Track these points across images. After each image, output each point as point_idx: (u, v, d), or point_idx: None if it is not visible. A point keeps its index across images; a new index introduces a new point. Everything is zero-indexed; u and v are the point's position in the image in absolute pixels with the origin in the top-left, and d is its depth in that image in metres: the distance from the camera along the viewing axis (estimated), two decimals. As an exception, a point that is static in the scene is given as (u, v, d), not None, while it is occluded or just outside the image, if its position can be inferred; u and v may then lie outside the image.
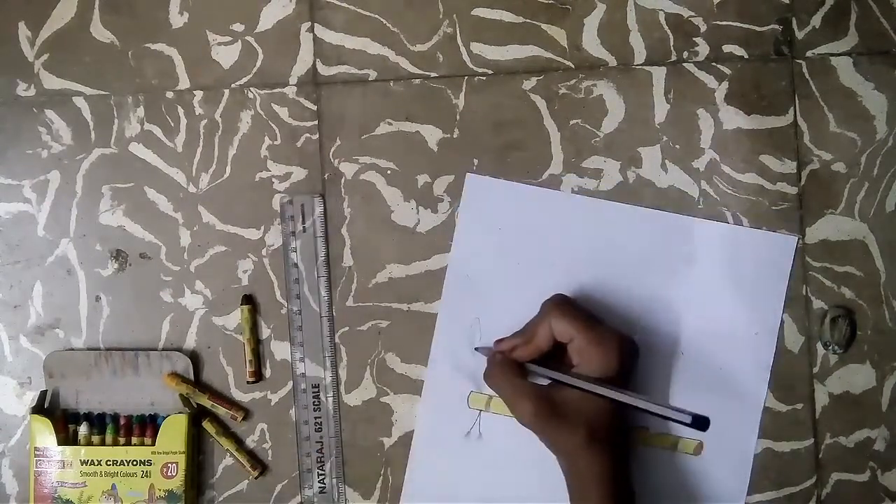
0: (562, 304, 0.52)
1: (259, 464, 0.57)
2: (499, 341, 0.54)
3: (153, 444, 0.55)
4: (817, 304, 0.56)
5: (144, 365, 0.57)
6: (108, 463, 0.55)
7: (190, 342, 0.58)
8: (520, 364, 0.53)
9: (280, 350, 0.58)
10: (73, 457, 0.55)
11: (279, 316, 0.58)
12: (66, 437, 0.56)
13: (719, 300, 0.56)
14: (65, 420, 0.56)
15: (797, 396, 0.56)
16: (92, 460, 0.55)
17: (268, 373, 0.58)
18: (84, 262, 0.58)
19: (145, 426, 0.56)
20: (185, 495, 0.55)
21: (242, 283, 0.58)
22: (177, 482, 0.55)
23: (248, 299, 0.57)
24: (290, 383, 0.58)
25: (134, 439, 0.56)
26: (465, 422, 0.56)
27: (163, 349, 0.57)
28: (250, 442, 0.57)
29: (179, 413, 0.56)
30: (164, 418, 0.56)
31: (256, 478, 0.57)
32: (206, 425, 0.57)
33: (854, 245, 0.56)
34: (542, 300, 0.54)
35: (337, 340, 0.57)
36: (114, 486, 0.55)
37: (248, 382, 0.57)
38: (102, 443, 0.56)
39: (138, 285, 0.58)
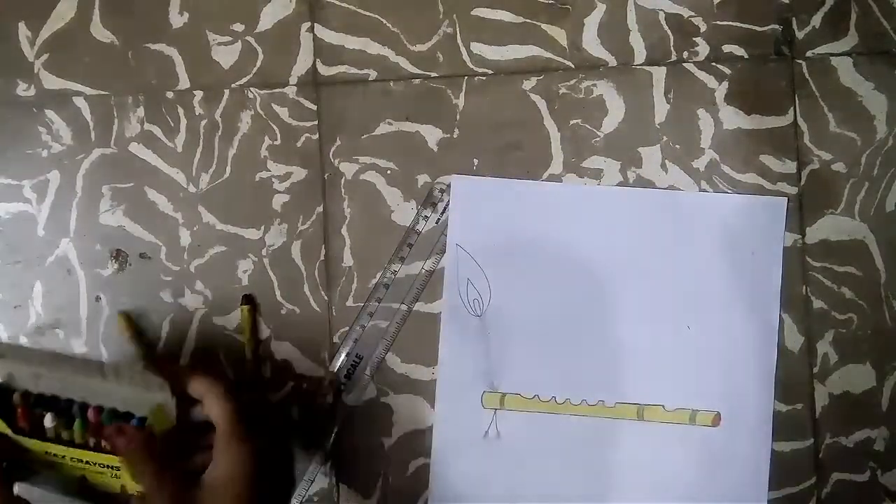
0: (221, 385, 0.48)
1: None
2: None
3: None
4: (817, 304, 0.56)
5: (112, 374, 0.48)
6: (73, 459, 0.47)
7: (190, 342, 0.58)
8: (151, 448, 0.46)
9: (280, 350, 0.58)
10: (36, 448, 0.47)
11: (279, 316, 0.58)
12: (28, 426, 0.47)
13: (719, 267, 0.56)
14: (26, 406, 0.47)
15: (797, 396, 0.56)
16: (56, 454, 0.47)
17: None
18: (84, 262, 0.58)
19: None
20: None
21: (242, 283, 0.58)
22: None
23: (248, 299, 0.57)
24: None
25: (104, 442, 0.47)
26: (482, 422, 0.56)
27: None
28: (250, 442, 0.57)
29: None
30: (140, 420, 0.47)
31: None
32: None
33: (854, 245, 0.56)
34: (543, 291, 0.55)
35: (336, 340, 0.57)
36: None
37: (248, 382, 0.57)
38: (71, 438, 0.47)
39: (138, 285, 0.58)
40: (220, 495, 0.46)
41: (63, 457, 0.48)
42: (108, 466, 0.48)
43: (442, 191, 0.57)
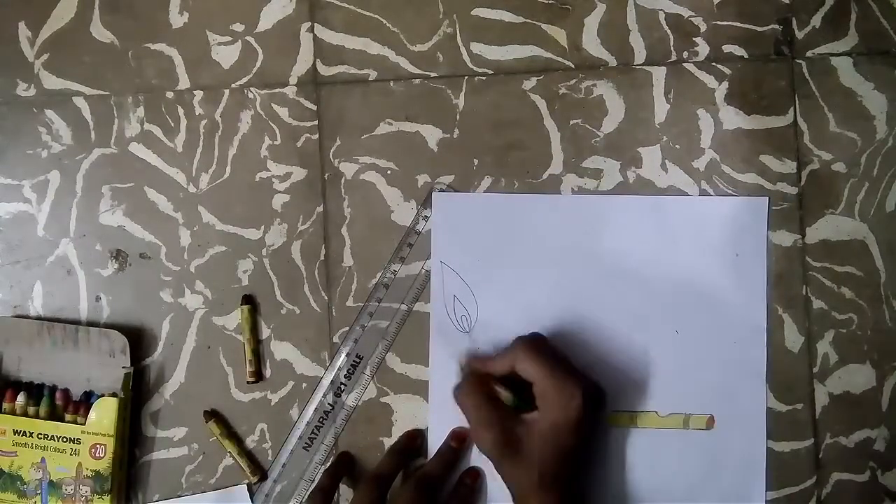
0: (529, 345, 0.52)
1: (259, 469, 0.57)
2: (473, 358, 0.55)
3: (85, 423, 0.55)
4: (817, 304, 0.56)
5: (84, 340, 0.56)
6: (40, 436, 0.55)
7: (190, 342, 0.58)
8: (489, 389, 0.53)
9: (280, 350, 0.58)
10: (6, 425, 0.55)
11: (279, 316, 0.58)
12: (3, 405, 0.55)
13: (705, 271, 0.56)
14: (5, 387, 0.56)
15: (797, 396, 0.56)
16: (25, 431, 0.55)
17: (268, 373, 0.58)
18: (84, 262, 0.58)
19: (79, 404, 0.56)
20: (112, 477, 0.54)
21: (242, 283, 0.58)
22: (104, 464, 0.54)
23: (248, 299, 0.57)
24: (290, 383, 0.58)
25: (67, 416, 0.55)
26: None
27: (104, 325, 0.57)
28: (250, 442, 0.57)
29: (112, 395, 0.55)
30: (99, 397, 0.55)
31: (255, 483, 0.57)
32: (212, 426, 0.57)
33: (854, 245, 0.56)
34: (530, 304, 0.55)
35: (336, 340, 0.57)
36: (43, 460, 0.55)
37: (248, 382, 0.57)
38: (37, 415, 0.55)
39: (138, 285, 0.58)
40: (543, 437, 0.49)
41: (31, 433, 0.55)
42: (69, 440, 0.54)
43: (442, 191, 0.57)
